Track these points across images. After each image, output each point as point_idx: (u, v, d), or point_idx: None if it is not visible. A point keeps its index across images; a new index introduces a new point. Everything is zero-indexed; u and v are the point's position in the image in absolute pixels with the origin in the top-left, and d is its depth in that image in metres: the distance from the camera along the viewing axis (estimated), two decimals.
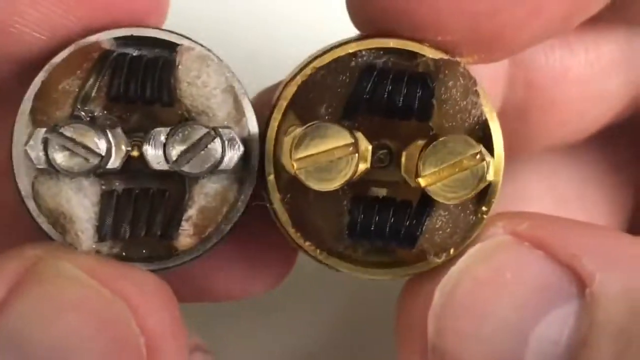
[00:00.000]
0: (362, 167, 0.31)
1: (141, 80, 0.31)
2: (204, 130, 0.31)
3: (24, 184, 0.31)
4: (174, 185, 0.32)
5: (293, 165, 0.30)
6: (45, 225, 0.31)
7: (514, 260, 0.31)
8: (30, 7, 0.31)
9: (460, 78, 0.31)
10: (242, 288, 0.39)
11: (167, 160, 0.31)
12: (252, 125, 0.32)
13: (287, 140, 0.31)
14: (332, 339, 0.50)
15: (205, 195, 0.32)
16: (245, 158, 0.32)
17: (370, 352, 0.50)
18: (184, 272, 0.34)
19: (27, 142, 0.31)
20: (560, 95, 0.40)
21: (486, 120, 0.32)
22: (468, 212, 0.32)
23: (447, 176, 0.31)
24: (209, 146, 0.31)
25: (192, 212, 0.32)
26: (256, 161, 0.32)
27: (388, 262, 0.33)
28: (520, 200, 0.44)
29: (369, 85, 0.31)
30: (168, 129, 0.31)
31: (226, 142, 0.31)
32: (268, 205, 0.32)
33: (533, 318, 0.30)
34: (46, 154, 0.30)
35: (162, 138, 0.31)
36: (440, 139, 0.31)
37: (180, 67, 0.31)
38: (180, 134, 0.31)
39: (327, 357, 0.50)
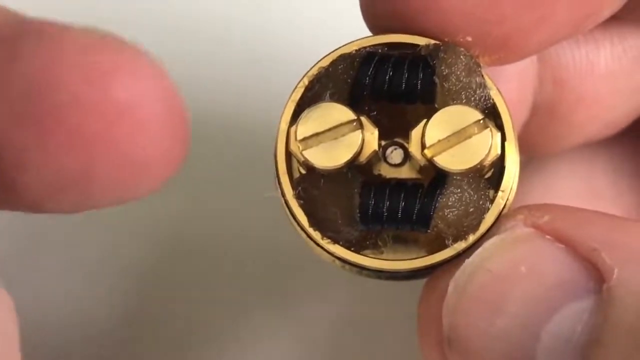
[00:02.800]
0: (369, 143, 0.31)
1: None
2: None
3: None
4: None
5: (299, 147, 0.31)
6: None
7: (532, 254, 0.31)
8: None
9: (462, 56, 0.32)
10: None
11: None
12: None
13: (293, 127, 0.32)
14: (339, 338, 0.50)
15: None
16: None
17: (377, 352, 0.50)
18: None
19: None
20: (588, 91, 0.40)
21: (495, 105, 0.32)
22: (482, 194, 0.32)
23: (452, 145, 0.31)
24: None
25: None
26: None
27: (409, 258, 0.33)
28: (555, 197, 0.43)
29: (370, 69, 0.32)
30: None
31: None
32: (284, 204, 0.33)
33: (546, 313, 0.29)
34: None
35: None
36: (441, 109, 0.31)
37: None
38: None
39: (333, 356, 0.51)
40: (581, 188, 0.44)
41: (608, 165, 0.44)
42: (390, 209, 0.32)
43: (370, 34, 0.34)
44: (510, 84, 0.38)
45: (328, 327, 0.48)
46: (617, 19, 0.37)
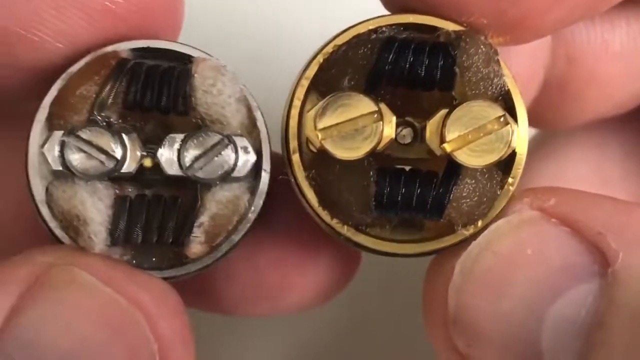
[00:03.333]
0: (387, 134, 0.31)
1: (158, 88, 0.32)
2: (218, 137, 0.32)
3: (38, 189, 0.32)
4: (187, 193, 0.33)
5: (318, 136, 0.31)
6: (58, 231, 0.32)
7: (538, 237, 0.31)
8: (55, 17, 0.31)
9: (482, 46, 0.32)
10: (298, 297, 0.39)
11: (180, 165, 0.32)
12: (264, 138, 0.33)
13: (311, 113, 0.32)
14: (336, 337, 0.51)
15: (217, 202, 0.32)
16: (256, 169, 0.33)
17: (374, 350, 0.50)
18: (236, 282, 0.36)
19: (43, 144, 0.31)
20: (601, 70, 0.40)
21: (509, 91, 0.32)
22: (494, 182, 0.32)
23: (472, 140, 0.31)
24: (222, 152, 0.32)
25: (203, 219, 0.32)
26: (267, 173, 0.33)
27: (416, 239, 0.33)
28: (565, 181, 0.43)
29: (391, 56, 0.31)
30: (183, 135, 0.32)
31: (239, 150, 0.32)
32: (293, 183, 0.33)
33: (551, 296, 0.30)
34: (62, 156, 0.31)
35: (177, 143, 0.32)
36: (464, 104, 0.31)
37: (196, 75, 0.32)
38: (195, 140, 0.32)
39: (330, 356, 0.51)
40: (591, 173, 0.44)
41: (618, 151, 0.44)
42: (405, 198, 0.32)
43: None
44: (521, 59, 0.38)
45: (327, 327, 0.49)
46: (634, 1, 0.37)
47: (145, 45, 0.33)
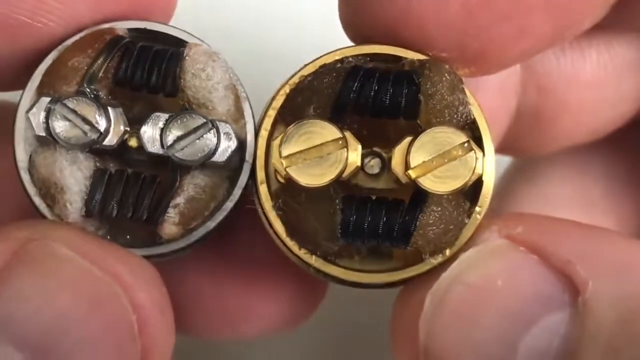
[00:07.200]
0: (352, 160, 0.31)
1: (148, 67, 0.32)
2: (201, 120, 0.32)
3: (21, 155, 0.32)
4: (166, 174, 0.33)
5: (282, 163, 0.31)
6: (36, 198, 0.32)
7: (507, 267, 0.31)
8: (60, 3, 0.32)
9: (446, 74, 0.32)
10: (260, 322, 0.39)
11: (162, 144, 0.32)
12: (250, 129, 0.33)
13: (276, 141, 0.32)
14: (329, 341, 0.50)
15: (195, 185, 0.33)
16: (239, 159, 0.33)
17: (366, 354, 0.50)
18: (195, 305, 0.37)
19: (29, 109, 0.32)
20: (573, 98, 0.40)
21: (475, 120, 0.32)
22: (461, 209, 0.32)
23: (436, 166, 0.31)
24: (204, 136, 0.32)
25: (180, 200, 0.32)
26: (249, 164, 0.33)
27: (385, 269, 0.33)
28: (548, 204, 0.44)
29: (355, 84, 0.32)
30: (168, 114, 0.32)
31: (222, 135, 0.32)
32: (261, 213, 0.33)
33: (523, 327, 0.30)
34: (47, 123, 0.31)
35: (161, 122, 0.32)
36: (428, 130, 0.31)
37: (187, 58, 0.32)
38: (179, 121, 0.32)
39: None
40: (574, 194, 0.44)
41: (600, 171, 0.44)
42: (371, 226, 0.32)
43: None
44: (491, 92, 0.38)
45: (328, 328, 0.48)
46: (604, 28, 0.37)
47: (142, 27, 0.33)
